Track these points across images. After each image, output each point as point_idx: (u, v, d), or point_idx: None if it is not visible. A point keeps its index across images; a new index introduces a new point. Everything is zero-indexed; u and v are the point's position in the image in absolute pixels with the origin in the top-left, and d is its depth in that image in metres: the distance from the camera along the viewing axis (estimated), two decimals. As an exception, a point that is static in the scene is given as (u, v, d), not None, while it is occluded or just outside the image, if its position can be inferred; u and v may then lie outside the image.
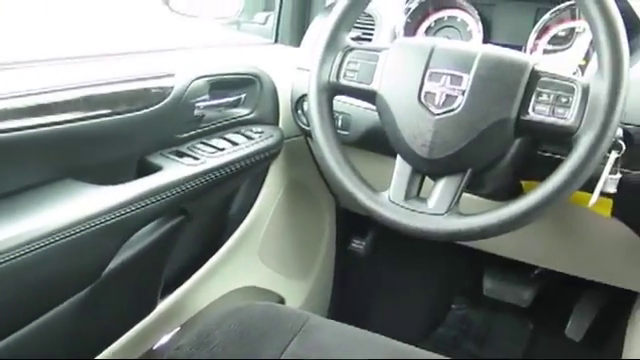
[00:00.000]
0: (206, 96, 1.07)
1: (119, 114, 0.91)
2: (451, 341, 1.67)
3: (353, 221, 1.46)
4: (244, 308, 0.97)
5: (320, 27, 0.93)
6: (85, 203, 0.83)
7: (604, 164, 0.85)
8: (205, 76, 1.05)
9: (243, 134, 1.14)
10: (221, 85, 1.11)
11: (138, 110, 0.93)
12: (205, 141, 1.08)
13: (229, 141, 1.10)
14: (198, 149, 1.05)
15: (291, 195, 1.38)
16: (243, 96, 1.17)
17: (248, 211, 1.27)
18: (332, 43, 0.91)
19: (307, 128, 1.10)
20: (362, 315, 1.66)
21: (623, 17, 0.88)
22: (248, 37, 1.44)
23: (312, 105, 0.92)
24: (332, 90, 0.91)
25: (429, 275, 1.74)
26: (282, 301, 1.41)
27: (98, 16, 1.36)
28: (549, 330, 1.59)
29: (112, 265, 0.90)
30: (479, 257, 1.41)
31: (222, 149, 1.07)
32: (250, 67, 1.17)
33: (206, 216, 1.20)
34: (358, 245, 1.57)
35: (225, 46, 1.29)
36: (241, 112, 1.17)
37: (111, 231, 0.85)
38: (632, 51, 0.95)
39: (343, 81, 0.90)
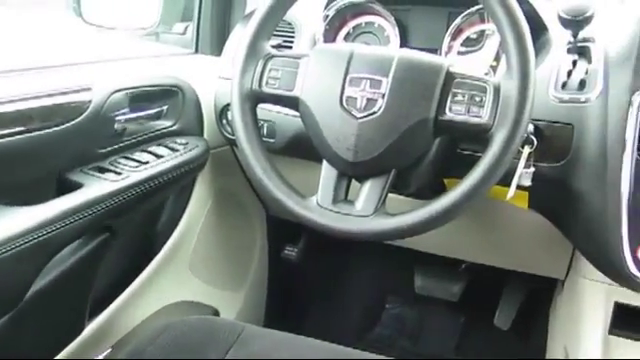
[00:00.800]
0: (126, 109, 1.04)
1: (34, 131, 0.87)
2: (386, 340, 1.70)
3: (284, 228, 1.46)
4: (177, 323, 0.96)
5: (240, 36, 0.93)
6: (1, 226, 0.79)
7: (518, 159, 0.90)
8: (124, 89, 1.03)
9: (167, 146, 1.12)
10: (142, 97, 1.08)
11: (55, 126, 0.90)
12: (128, 155, 1.05)
13: (153, 154, 1.08)
14: (120, 164, 1.02)
15: (220, 206, 1.37)
16: (165, 108, 1.15)
17: (176, 224, 1.25)
18: (253, 51, 0.91)
19: (232, 137, 1.10)
20: (298, 321, 1.67)
21: (528, 19, 0.93)
22: (168, 48, 1.42)
23: (236, 114, 0.91)
24: (255, 98, 0.91)
25: (362, 277, 1.77)
26: (216, 313, 1.40)
27: (10, 31, 1.30)
28: (479, 321, 1.65)
29: (34, 289, 0.86)
30: (409, 256, 1.45)
31: (146, 162, 1.04)
32: (171, 78, 1.16)
33: (133, 232, 1.17)
34: (290, 252, 1.57)
35: (144, 57, 1.27)
36: (164, 124, 1.15)
37: (31, 254, 0.82)
38: (538, 51, 1.01)
39: (265, 89, 0.90)
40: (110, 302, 1.11)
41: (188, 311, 1.30)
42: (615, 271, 0.89)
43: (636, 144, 0.85)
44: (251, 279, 1.55)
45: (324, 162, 0.88)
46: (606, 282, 0.96)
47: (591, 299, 1.00)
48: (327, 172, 0.88)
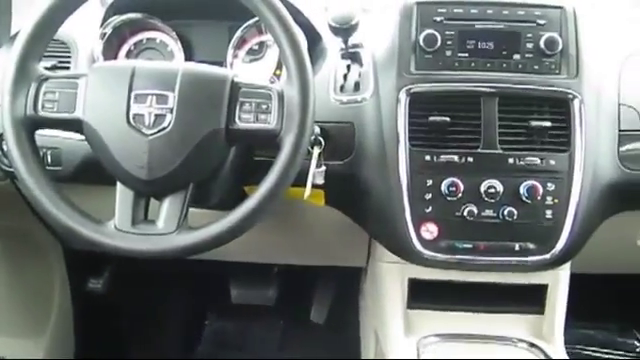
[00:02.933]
0: None
1: None
2: (211, 356, 1.68)
3: (85, 260, 1.37)
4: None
5: (6, 59, 0.85)
6: None
7: (310, 159, 0.95)
8: None
9: None
10: None
11: None
12: None
13: None
14: None
15: (8, 246, 1.24)
16: None
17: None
18: (22, 74, 0.83)
19: (11, 170, 1.00)
20: (115, 354, 1.57)
21: (303, 30, 0.99)
22: None
23: (11, 144, 0.83)
24: (31, 124, 0.84)
25: (178, 297, 1.73)
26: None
27: None
28: (297, 320, 1.71)
29: None
30: (222, 268, 1.45)
31: None
32: None
33: None
34: (95, 284, 1.47)
35: None
36: None
37: None
38: (316, 58, 1.08)
39: (42, 113, 0.84)
40: None
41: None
42: (404, 250, 0.99)
43: (408, 136, 0.96)
44: (54, 321, 1.42)
45: (118, 184, 0.84)
46: (400, 262, 1.06)
47: (389, 280, 1.10)
48: (122, 194, 0.84)
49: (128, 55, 1.15)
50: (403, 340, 1.06)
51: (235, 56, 1.13)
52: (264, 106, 0.83)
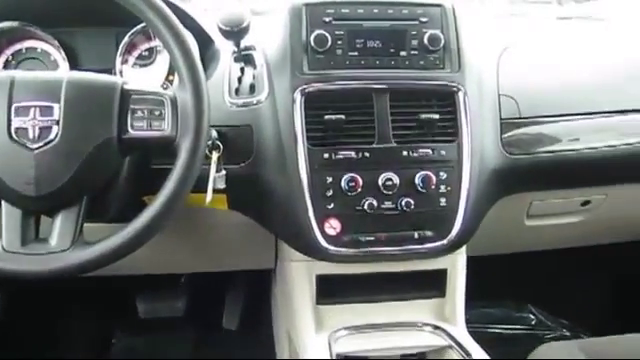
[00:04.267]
0: None
1: None
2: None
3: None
4: None
5: None
6: None
7: (209, 164, 0.95)
8: None
9: None
10: None
11: None
12: None
13: None
14: None
15: None
16: None
17: None
18: None
19: None
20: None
21: (194, 34, 0.98)
22: None
23: None
24: None
25: (82, 317, 1.65)
26: None
27: None
28: (209, 328, 1.69)
29: None
30: (128, 283, 1.40)
31: None
32: None
33: None
34: (-12, 312, 1.38)
35: None
36: None
37: None
38: (209, 62, 1.07)
39: None
40: None
41: None
42: (310, 248, 1.01)
43: (306, 135, 0.98)
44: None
45: (3, 203, 0.79)
46: (307, 260, 1.07)
47: (298, 278, 1.11)
48: (9, 213, 0.79)
49: (6, 66, 1.08)
50: (314, 336, 1.07)
51: (125, 62, 1.09)
52: (157, 112, 0.81)
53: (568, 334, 1.68)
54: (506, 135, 1.09)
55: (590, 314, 1.60)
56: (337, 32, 1.01)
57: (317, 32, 1.00)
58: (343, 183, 0.97)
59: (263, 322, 1.60)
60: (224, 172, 0.97)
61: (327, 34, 1.00)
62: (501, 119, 1.09)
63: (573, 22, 1.46)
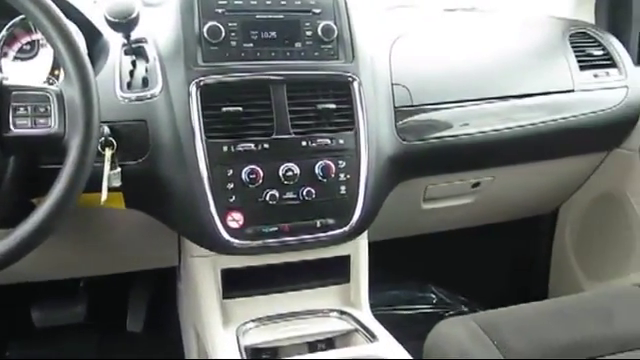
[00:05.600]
0: None
1: None
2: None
3: None
4: None
5: None
6: None
7: (103, 162, 0.91)
8: None
9: None
10: None
11: None
12: None
13: None
14: None
15: None
16: None
17: None
18: None
19: None
20: None
21: (80, 27, 0.94)
22: None
23: None
24: None
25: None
26: None
27: None
28: (112, 333, 1.63)
29: None
30: (21, 291, 1.32)
31: None
32: None
33: None
34: None
35: None
36: None
37: None
38: (97, 56, 1.03)
39: None
40: None
41: None
42: (213, 243, 1.00)
43: (203, 128, 0.96)
44: None
45: None
46: (211, 255, 1.06)
47: (203, 274, 1.09)
48: None
49: None
50: (222, 331, 1.06)
51: (4, 56, 1.03)
52: (42, 109, 0.77)
53: (466, 310, 1.77)
54: (400, 123, 1.13)
55: (486, 289, 1.70)
56: (230, 24, 1.00)
57: (210, 24, 0.98)
58: (244, 175, 0.97)
59: (169, 321, 1.56)
60: (119, 169, 0.94)
61: (220, 26, 0.98)
62: (395, 107, 1.13)
63: (458, 13, 1.54)
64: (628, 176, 1.42)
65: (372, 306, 1.17)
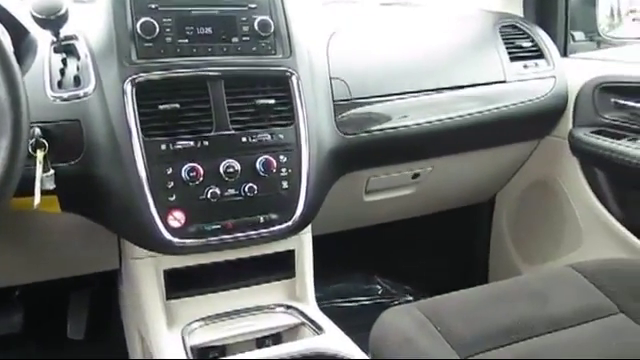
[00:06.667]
0: None
1: None
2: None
3: None
4: None
5: None
6: None
7: (35, 164, 0.88)
8: None
9: None
10: None
11: None
12: None
13: None
14: None
15: None
16: None
17: None
18: None
19: None
20: None
21: (7, 26, 0.90)
22: None
23: None
24: None
25: None
26: None
27: None
28: (53, 342, 1.57)
29: None
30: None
31: None
32: None
33: None
34: None
35: None
36: None
37: None
38: (24, 54, 0.99)
39: None
40: None
41: None
42: (155, 243, 0.98)
43: (140, 127, 0.94)
44: None
45: None
46: (153, 255, 1.04)
47: (145, 276, 1.07)
48: None
49: None
50: (167, 333, 1.04)
51: None
52: None
53: (412, 299, 1.81)
54: (340, 116, 1.14)
55: (430, 278, 1.74)
56: (165, 19, 0.98)
57: (143, 19, 0.96)
58: (183, 173, 0.96)
59: (112, 327, 1.52)
60: (52, 172, 0.91)
61: (154, 21, 0.96)
62: (334, 101, 1.14)
63: (394, 8, 1.56)
64: (558, 163, 1.49)
65: (318, 300, 1.18)
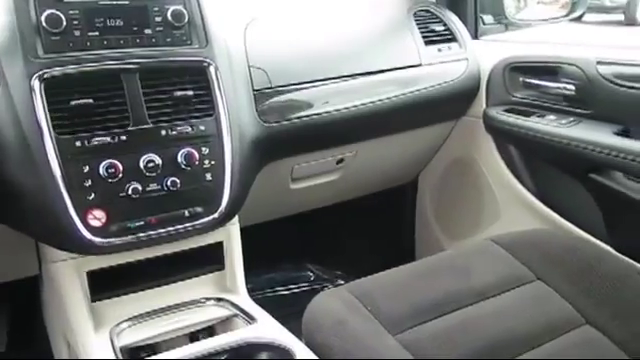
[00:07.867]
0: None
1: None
2: None
3: None
4: None
5: None
6: None
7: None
8: None
9: None
10: None
11: None
12: None
13: None
14: None
15: None
16: None
17: None
18: None
19: None
20: None
21: None
22: None
23: None
24: None
25: None
26: None
27: None
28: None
29: None
30: None
31: None
32: None
33: None
34: None
35: None
36: None
37: None
38: None
39: None
40: None
41: None
42: (75, 244, 0.94)
43: (52, 124, 0.90)
44: None
45: None
46: (74, 257, 1.00)
47: (67, 279, 1.02)
48: None
49: None
50: (94, 336, 1.01)
51: None
52: None
53: (343, 283, 1.83)
54: (260, 105, 1.14)
55: (360, 261, 1.77)
56: (71, 11, 0.93)
57: (48, 12, 0.92)
58: (102, 170, 0.92)
59: (36, 335, 1.46)
60: None
61: (60, 14, 0.92)
62: (254, 90, 1.13)
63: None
64: (475, 141, 1.55)
65: (251, 291, 1.17)
